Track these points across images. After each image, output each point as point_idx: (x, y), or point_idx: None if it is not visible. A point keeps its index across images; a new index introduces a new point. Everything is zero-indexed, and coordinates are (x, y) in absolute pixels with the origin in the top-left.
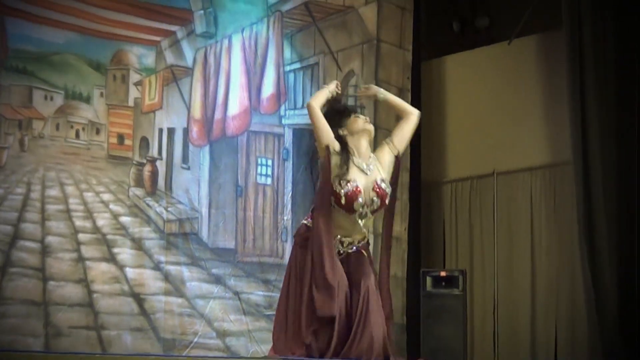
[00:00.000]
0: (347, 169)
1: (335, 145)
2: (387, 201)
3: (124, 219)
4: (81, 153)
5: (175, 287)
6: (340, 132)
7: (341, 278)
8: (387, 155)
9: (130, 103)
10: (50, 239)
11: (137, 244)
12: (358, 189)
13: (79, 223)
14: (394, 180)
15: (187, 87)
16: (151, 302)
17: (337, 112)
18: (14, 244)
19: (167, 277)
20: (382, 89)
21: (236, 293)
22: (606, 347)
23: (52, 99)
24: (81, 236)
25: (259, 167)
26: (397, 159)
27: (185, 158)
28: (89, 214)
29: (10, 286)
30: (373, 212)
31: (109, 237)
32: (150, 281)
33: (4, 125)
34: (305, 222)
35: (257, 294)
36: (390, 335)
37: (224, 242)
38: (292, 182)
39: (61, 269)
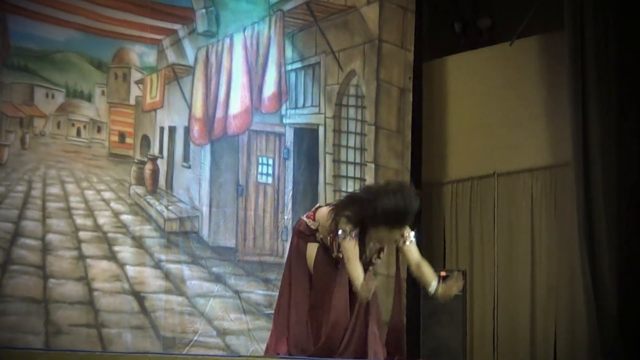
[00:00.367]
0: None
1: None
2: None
3: (125, 217)
4: (82, 151)
5: (175, 285)
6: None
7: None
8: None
9: (132, 101)
10: (50, 236)
11: (138, 242)
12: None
13: (79, 221)
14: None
15: (188, 86)
16: (151, 301)
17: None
18: (14, 241)
19: (167, 275)
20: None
21: (236, 292)
22: (606, 348)
23: (53, 97)
24: (82, 234)
25: (260, 167)
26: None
27: (186, 157)
28: (90, 212)
29: (11, 284)
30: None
31: (110, 235)
32: (151, 279)
33: (5, 123)
34: (305, 220)
35: (257, 293)
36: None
37: (225, 241)
38: (292, 182)
39: (62, 266)
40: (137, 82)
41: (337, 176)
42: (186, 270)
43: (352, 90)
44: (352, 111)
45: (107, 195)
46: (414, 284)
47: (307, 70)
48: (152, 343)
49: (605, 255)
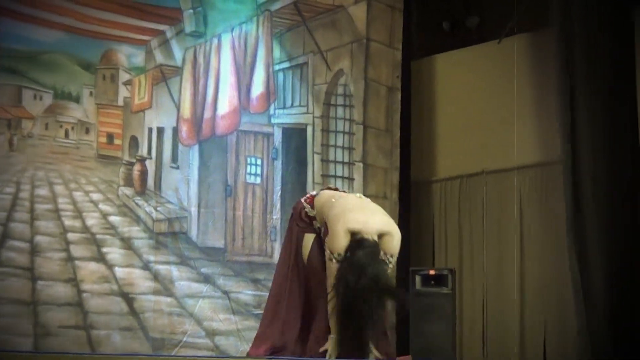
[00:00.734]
0: None
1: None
2: None
3: (113, 219)
4: (70, 152)
5: (164, 286)
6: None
7: None
8: None
9: (120, 102)
10: (39, 238)
11: (127, 243)
12: None
13: (68, 222)
14: None
15: (176, 87)
16: (140, 302)
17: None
18: (3, 243)
19: (156, 276)
20: None
21: (225, 292)
22: (595, 346)
23: (41, 98)
24: (70, 235)
25: (249, 167)
26: None
27: (174, 157)
28: (78, 214)
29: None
30: None
31: (98, 236)
32: (140, 280)
33: None
34: (304, 204)
35: (246, 293)
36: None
37: (213, 242)
38: (281, 182)
39: (50, 268)
40: (125, 83)
41: (325, 175)
42: (175, 271)
43: (340, 90)
44: (340, 110)
45: (96, 196)
46: (403, 282)
47: (295, 70)
48: (141, 344)
49: (594, 253)
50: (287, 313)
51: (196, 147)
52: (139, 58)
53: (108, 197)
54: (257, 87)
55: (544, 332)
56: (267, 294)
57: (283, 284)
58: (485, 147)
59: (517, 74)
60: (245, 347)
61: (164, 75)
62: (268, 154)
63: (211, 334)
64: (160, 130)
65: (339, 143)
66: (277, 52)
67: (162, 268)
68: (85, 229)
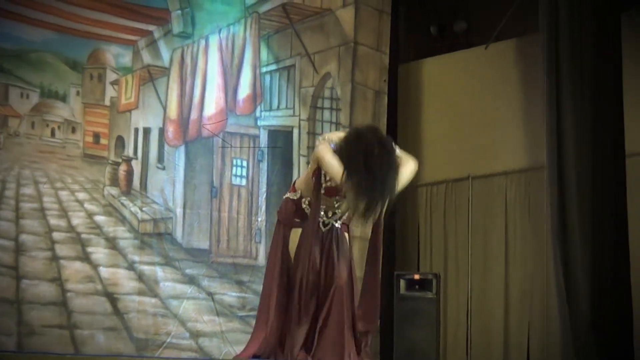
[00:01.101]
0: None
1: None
2: None
3: (99, 218)
4: (56, 152)
5: (149, 287)
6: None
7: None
8: None
9: (107, 102)
10: (24, 237)
11: (112, 243)
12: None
13: (53, 222)
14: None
15: (163, 87)
16: (125, 302)
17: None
18: None
19: (140, 277)
20: None
21: (210, 294)
22: (579, 349)
23: (28, 97)
24: (55, 235)
25: (234, 168)
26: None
27: (160, 158)
28: (64, 213)
29: None
30: None
31: (84, 236)
32: (124, 281)
33: None
34: (289, 195)
35: (230, 295)
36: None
37: (198, 243)
38: (266, 184)
39: (35, 267)
40: (112, 83)
41: None
42: (160, 272)
43: (327, 93)
44: (327, 113)
45: (81, 196)
46: (388, 287)
47: (282, 72)
48: (125, 344)
49: (578, 258)
50: (272, 317)
51: (182, 148)
52: (126, 58)
53: (94, 197)
54: (244, 89)
55: (527, 335)
56: (252, 295)
57: (269, 288)
58: (471, 151)
59: (504, 79)
60: (229, 349)
61: (151, 76)
62: (254, 156)
63: (195, 335)
64: (147, 131)
65: None
66: (264, 54)
67: (146, 268)
68: (71, 228)
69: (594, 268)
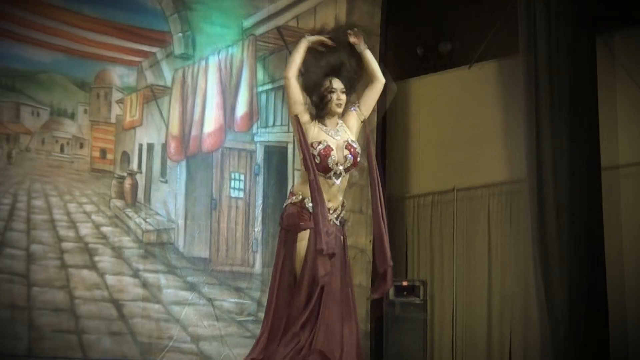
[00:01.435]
0: (317, 133)
1: (304, 116)
2: (358, 159)
3: (105, 229)
4: (65, 166)
5: (152, 293)
6: (314, 98)
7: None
8: (354, 121)
9: (112, 120)
10: (35, 247)
11: (117, 252)
12: (329, 147)
13: (62, 232)
14: (367, 143)
15: (165, 105)
16: (130, 308)
17: (315, 79)
18: (0, 251)
19: (145, 284)
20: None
21: (210, 300)
22: (557, 353)
23: (38, 115)
24: (64, 245)
25: (232, 182)
26: (364, 124)
27: (163, 172)
28: (72, 224)
29: None
30: (347, 170)
31: (91, 245)
32: (129, 288)
33: None
34: (289, 202)
35: (229, 301)
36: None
37: (199, 252)
38: (262, 196)
39: (45, 275)
40: (118, 102)
41: None
42: (162, 279)
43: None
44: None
45: (89, 208)
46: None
47: (278, 91)
48: (130, 348)
49: (556, 266)
50: (272, 325)
51: (184, 163)
52: (131, 78)
53: (100, 209)
54: (242, 107)
55: (509, 341)
56: (249, 302)
57: (272, 296)
58: (456, 165)
59: (486, 97)
60: (228, 352)
61: (154, 95)
62: (251, 170)
63: (196, 339)
64: (150, 146)
65: None
66: (260, 75)
67: (150, 276)
68: (79, 238)
69: (572, 276)
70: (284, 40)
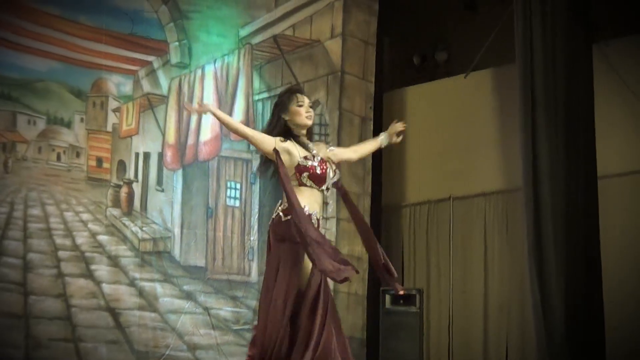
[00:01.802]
0: (300, 150)
1: (279, 143)
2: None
3: (102, 238)
4: (62, 175)
5: (148, 302)
6: (284, 116)
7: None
8: (324, 151)
9: (109, 128)
10: (31, 255)
11: (114, 261)
12: (323, 160)
13: (59, 241)
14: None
15: (162, 114)
16: (126, 316)
17: (282, 98)
18: None
19: (141, 292)
20: None
21: (206, 308)
22: (553, 359)
23: (35, 123)
24: (61, 253)
25: (229, 190)
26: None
27: (159, 181)
28: (69, 233)
29: None
30: (334, 184)
31: (87, 254)
32: (126, 296)
33: None
34: (280, 213)
35: (225, 310)
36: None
37: (195, 261)
38: (258, 205)
39: (42, 284)
40: (114, 110)
41: None
42: (159, 288)
43: (316, 119)
44: (315, 138)
45: (85, 216)
46: (374, 302)
47: (274, 100)
48: (126, 357)
49: (552, 274)
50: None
51: (180, 172)
52: (127, 87)
53: (97, 218)
54: (238, 116)
55: (505, 347)
56: (245, 310)
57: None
58: (452, 174)
59: (483, 106)
60: None
61: (151, 103)
62: (247, 179)
63: (192, 348)
64: (147, 155)
65: None
66: (256, 83)
67: (146, 285)
68: (75, 247)
69: (568, 283)
70: (280, 49)
